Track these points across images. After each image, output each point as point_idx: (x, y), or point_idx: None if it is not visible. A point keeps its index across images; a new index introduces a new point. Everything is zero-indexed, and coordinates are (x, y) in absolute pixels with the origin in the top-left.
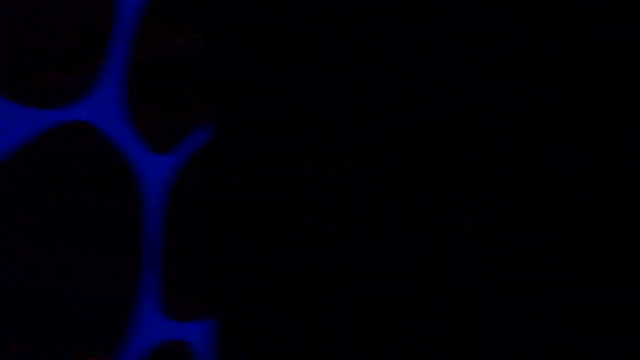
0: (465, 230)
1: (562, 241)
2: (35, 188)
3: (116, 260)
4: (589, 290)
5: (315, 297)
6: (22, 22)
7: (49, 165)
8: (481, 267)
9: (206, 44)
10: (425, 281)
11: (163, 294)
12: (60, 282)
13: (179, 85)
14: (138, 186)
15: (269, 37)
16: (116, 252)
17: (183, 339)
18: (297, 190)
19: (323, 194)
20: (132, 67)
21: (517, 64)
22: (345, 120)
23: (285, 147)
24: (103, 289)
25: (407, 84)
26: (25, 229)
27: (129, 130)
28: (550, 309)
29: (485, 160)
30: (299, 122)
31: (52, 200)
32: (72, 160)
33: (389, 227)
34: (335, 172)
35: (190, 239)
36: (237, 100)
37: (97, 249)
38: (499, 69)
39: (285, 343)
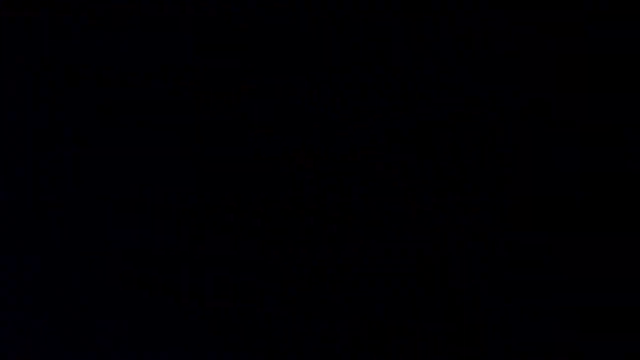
0: (465, 230)
1: (562, 241)
2: None
3: None
4: (589, 290)
5: (315, 297)
6: None
7: None
8: (481, 267)
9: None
10: (425, 281)
11: None
12: None
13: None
14: None
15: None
16: None
17: None
18: (297, 190)
19: (323, 194)
20: None
21: (517, 64)
22: (345, 120)
23: (285, 147)
24: None
25: (407, 84)
26: None
27: None
28: (550, 309)
29: (485, 160)
30: (299, 121)
31: None
32: None
33: (389, 227)
34: (335, 172)
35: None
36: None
37: None
38: (499, 69)
39: (285, 343)
